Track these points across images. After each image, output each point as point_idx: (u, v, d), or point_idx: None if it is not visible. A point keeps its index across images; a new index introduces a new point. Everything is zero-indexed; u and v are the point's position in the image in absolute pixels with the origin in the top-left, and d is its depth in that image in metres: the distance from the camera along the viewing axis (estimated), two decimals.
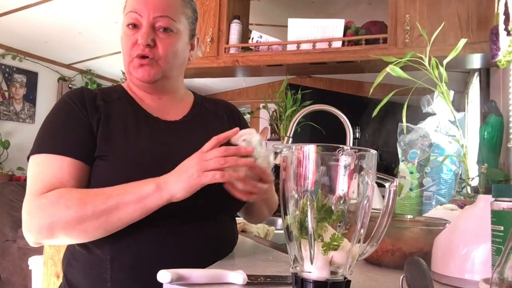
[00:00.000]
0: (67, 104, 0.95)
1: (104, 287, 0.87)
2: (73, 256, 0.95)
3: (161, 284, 0.67)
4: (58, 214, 0.82)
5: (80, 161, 0.90)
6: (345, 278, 0.61)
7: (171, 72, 1.02)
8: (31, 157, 0.91)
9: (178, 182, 0.82)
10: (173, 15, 0.98)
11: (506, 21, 1.47)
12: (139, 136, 0.95)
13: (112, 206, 0.82)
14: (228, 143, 0.87)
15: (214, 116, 1.11)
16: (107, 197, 0.83)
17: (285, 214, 0.62)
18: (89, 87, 4.96)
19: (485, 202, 0.72)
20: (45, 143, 0.92)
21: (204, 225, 0.93)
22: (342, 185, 0.60)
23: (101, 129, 0.93)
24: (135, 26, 0.97)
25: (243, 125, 1.14)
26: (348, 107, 1.87)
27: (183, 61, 1.05)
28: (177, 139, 0.99)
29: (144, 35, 0.95)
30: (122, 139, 0.93)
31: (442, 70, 1.41)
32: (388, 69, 1.42)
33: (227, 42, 2.25)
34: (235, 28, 2.26)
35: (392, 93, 1.42)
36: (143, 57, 0.97)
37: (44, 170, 0.89)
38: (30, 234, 0.86)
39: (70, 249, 0.97)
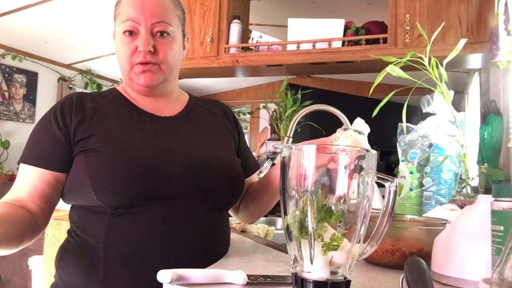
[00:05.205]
0: (45, 118, 0.98)
1: (96, 276, 0.87)
2: (66, 250, 0.96)
3: (155, 277, 0.66)
4: None
5: (50, 170, 0.93)
6: (345, 278, 0.61)
7: (170, 75, 1.05)
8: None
9: None
10: (168, 19, 1.00)
11: (506, 21, 1.47)
12: (132, 129, 0.97)
13: None
14: None
15: (208, 113, 1.12)
16: None
17: (285, 214, 0.62)
18: (89, 87, 4.97)
19: (485, 202, 0.72)
20: (22, 154, 0.96)
21: (200, 216, 0.94)
22: (342, 185, 0.60)
23: (85, 127, 0.94)
24: (131, 33, 0.99)
25: (236, 124, 1.16)
26: (348, 107, 1.86)
27: (179, 63, 1.08)
28: (171, 133, 1.01)
29: (145, 42, 0.97)
30: (115, 133, 0.95)
31: (442, 70, 1.41)
32: (388, 69, 1.41)
33: (227, 42, 2.25)
34: (235, 28, 2.26)
35: (392, 93, 1.42)
36: (145, 63, 0.98)
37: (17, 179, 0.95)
38: None
39: (63, 243, 0.99)
